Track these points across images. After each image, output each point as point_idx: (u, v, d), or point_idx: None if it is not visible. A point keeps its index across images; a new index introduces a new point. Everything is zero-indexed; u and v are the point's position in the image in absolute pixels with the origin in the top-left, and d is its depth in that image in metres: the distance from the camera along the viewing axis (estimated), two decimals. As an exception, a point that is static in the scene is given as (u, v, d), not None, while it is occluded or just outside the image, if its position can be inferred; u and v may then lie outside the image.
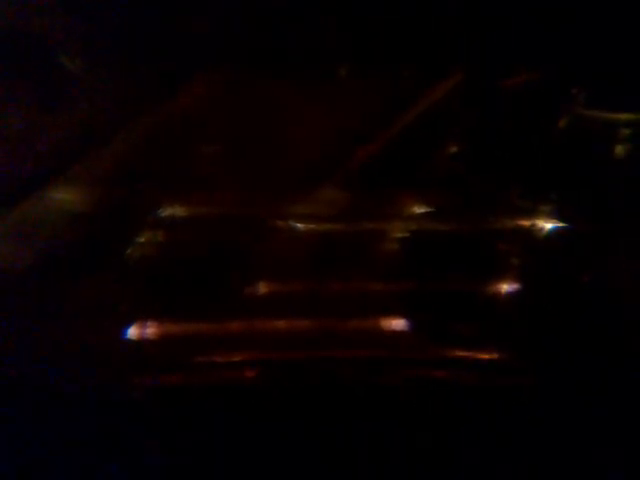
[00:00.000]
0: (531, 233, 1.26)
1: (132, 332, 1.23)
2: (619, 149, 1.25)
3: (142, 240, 1.24)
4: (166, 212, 1.25)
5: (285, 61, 1.23)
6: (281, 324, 1.24)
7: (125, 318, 1.22)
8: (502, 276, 1.25)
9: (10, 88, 1.23)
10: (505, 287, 1.25)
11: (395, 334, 1.25)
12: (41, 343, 1.20)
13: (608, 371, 1.21)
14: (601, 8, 1.20)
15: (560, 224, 1.26)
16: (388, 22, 1.20)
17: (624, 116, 1.25)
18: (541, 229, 1.26)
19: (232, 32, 1.23)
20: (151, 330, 1.23)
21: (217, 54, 1.24)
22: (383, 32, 1.20)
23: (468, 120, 1.25)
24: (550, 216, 1.26)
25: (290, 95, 1.24)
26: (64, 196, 1.23)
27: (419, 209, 1.26)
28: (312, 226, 1.24)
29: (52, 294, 1.22)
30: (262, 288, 1.24)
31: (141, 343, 1.23)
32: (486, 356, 1.24)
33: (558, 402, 1.20)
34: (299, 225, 1.24)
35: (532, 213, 1.26)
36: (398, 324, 1.25)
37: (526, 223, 1.26)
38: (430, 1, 1.21)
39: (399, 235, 1.26)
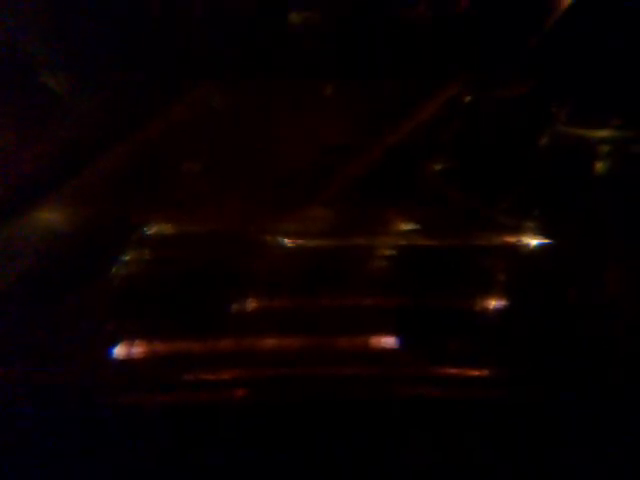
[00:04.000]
0: (517, 249, 1.27)
1: (119, 351, 1.20)
2: (601, 165, 1.27)
3: (128, 258, 1.23)
4: (152, 230, 1.23)
5: (273, 78, 1.23)
6: (271, 342, 1.22)
7: (112, 337, 1.20)
8: (489, 292, 1.26)
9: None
10: (492, 303, 1.25)
11: (384, 351, 1.24)
12: (26, 362, 1.17)
13: (598, 383, 1.21)
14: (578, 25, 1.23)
15: (545, 240, 1.27)
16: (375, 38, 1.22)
17: (605, 133, 1.27)
18: (527, 245, 1.27)
19: (216, 53, 1.24)
20: (138, 349, 1.20)
21: (203, 73, 1.24)
22: (371, 48, 1.22)
23: (453, 138, 1.26)
24: (535, 233, 1.27)
25: (278, 112, 1.24)
26: (50, 215, 1.22)
27: (406, 226, 1.26)
28: (301, 243, 1.24)
29: (38, 312, 1.19)
30: (251, 305, 1.22)
31: (128, 362, 1.20)
32: (475, 372, 1.24)
33: (549, 415, 1.20)
34: (288, 242, 1.24)
35: (517, 230, 1.27)
36: (387, 341, 1.24)
37: (512, 239, 1.27)
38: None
39: (387, 252, 1.26)
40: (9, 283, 1.19)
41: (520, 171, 1.27)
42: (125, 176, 1.23)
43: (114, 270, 1.22)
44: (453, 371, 1.24)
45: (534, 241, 1.27)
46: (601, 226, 1.27)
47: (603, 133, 1.28)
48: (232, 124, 1.25)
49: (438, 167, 1.26)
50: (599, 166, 1.28)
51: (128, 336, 1.20)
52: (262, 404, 1.21)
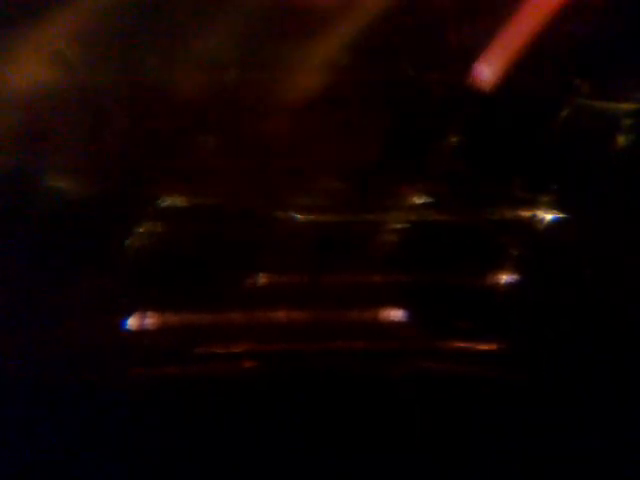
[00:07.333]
0: (531, 224, 1.25)
1: (131, 323, 1.23)
2: (620, 139, 1.24)
3: (141, 230, 1.24)
4: (166, 202, 1.24)
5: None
6: (281, 315, 1.23)
7: (124, 309, 1.22)
8: (502, 267, 1.25)
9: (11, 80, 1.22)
10: (505, 278, 1.25)
11: (394, 326, 1.24)
12: (39, 335, 1.20)
13: (608, 364, 1.21)
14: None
15: (561, 215, 1.25)
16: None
17: (625, 106, 1.24)
18: (542, 220, 1.25)
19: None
20: (150, 321, 1.23)
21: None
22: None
23: (468, 110, 1.24)
24: (551, 207, 1.25)
25: (288, 84, 1.23)
26: (63, 186, 1.23)
27: (418, 200, 1.25)
28: (312, 217, 1.24)
29: (50, 285, 1.21)
30: (262, 279, 1.24)
31: (140, 334, 1.23)
32: (486, 348, 1.24)
33: (557, 395, 1.20)
34: (299, 216, 1.24)
35: (532, 204, 1.25)
36: (398, 316, 1.24)
37: (526, 214, 1.25)
38: None
39: (398, 226, 1.25)
40: (22, 255, 1.21)
41: (536, 144, 1.24)
42: (138, 148, 1.24)
43: (127, 243, 1.24)
44: (463, 347, 1.24)
45: (550, 215, 1.25)
46: (620, 201, 1.25)
47: (626, 106, 1.24)
48: (245, 95, 1.24)
49: (452, 140, 1.24)
50: (621, 140, 1.25)
51: (140, 308, 1.23)
52: (272, 377, 1.23)
